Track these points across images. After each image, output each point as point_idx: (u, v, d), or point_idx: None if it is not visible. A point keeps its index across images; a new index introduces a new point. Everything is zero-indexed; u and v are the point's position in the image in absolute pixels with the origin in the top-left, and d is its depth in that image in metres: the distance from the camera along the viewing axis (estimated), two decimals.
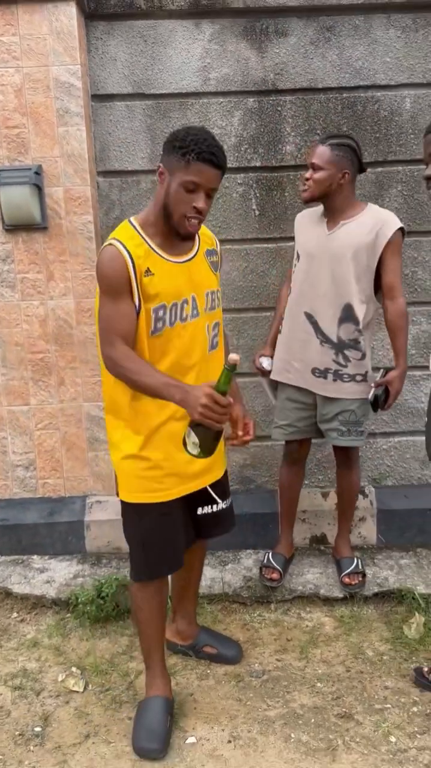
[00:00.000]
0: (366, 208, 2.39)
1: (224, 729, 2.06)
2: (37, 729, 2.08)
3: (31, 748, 2.02)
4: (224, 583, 2.71)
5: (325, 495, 3.01)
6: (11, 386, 2.89)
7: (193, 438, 1.66)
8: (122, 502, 1.97)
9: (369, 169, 2.71)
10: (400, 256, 2.39)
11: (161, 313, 1.80)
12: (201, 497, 2.03)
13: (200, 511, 2.05)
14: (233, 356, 1.56)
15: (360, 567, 2.68)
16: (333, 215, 2.40)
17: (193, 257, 1.88)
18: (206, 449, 1.68)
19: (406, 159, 2.85)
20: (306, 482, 2.90)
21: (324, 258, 2.39)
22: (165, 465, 1.89)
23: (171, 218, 1.76)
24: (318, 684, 2.25)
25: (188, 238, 1.84)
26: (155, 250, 1.79)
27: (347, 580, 2.64)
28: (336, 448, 2.63)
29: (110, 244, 1.76)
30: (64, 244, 2.77)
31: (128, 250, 1.74)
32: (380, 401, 2.36)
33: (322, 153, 2.30)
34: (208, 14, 2.73)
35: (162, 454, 1.87)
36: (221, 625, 2.56)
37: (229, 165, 2.44)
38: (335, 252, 2.37)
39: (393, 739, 2.01)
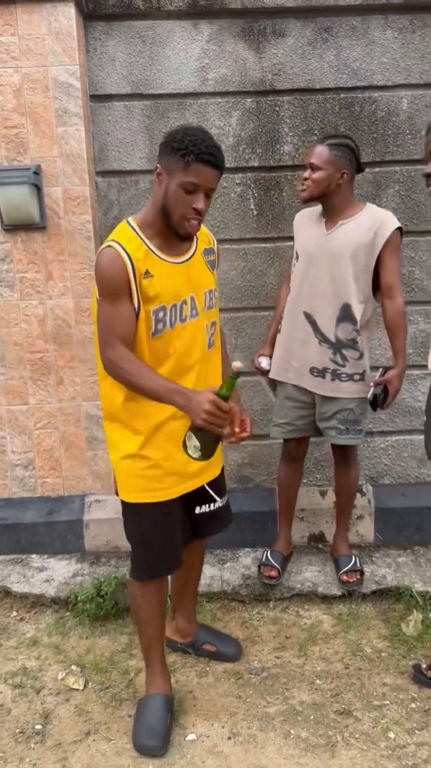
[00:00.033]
0: (364, 208, 2.40)
1: (224, 726, 2.07)
2: (38, 727, 2.09)
3: (32, 745, 2.03)
4: (223, 582, 2.72)
5: (323, 494, 3.02)
6: (10, 386, 2.90)
7: (194, 442, 1.69)
8: (123, 502, 1.98)
9: (366, 170, 2.73)
10: (398, 255, 2.40)
11: (161, 314, 1.80)
12: (199, 496, 2.04)
13: (198, 510, 2.06)
14: (237, 364, 1.61)
15: (358, 565, 2.70)
16: (331, 215, 2.41)
17: (191, 257, 1.88)
18: (207, 452, 1.71)
19: (403, 159, 2.87)
20: (304, 481, 2.91)
21: (323, 258, 2.40)
22: (165, 464, 1.89)
23: (170, 219, 1.76)
24: (317, 681, 2.26)
25: (188, 238, 1.83)
26: (154, 252, 1.79)
27: (345, 577, 2.66)
28: (334, 447, 2.64)
29: (109, 246, 1.75)
30: (62, 244, 2.77)
31: (127, 253, 1.74)
32: (379, 400, 2.37)
33: (321, 153, 2.31)
34: (206, 15, 2.74)
35: (162, 453, 1.88)
36: (220, 623, 2.57)
37: (227, 165, 2.45)
38: (333, 252, 2.38)
39: (391, 734, 2.02)
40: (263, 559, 2.71)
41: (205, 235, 1.97)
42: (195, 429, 1.68)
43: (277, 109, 2.83)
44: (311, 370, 2.50)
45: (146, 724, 2.00)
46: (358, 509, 2.94)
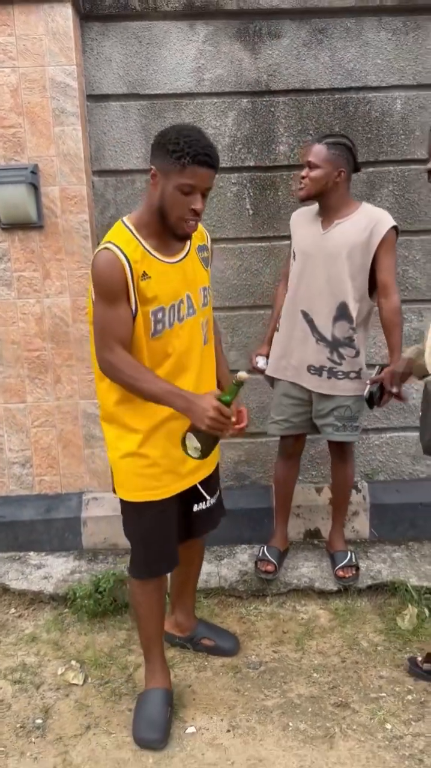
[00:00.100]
0: (360, 207, 2.43)
1: (223, 719, 2.10)
2: (38, 721, 2.11)
3: (33, 739, 2.04)
4: (220, 578, 2.74)
5: (319, 490, 3.05)
6: (8, 384, 2.91)
7: (194, 443, 1.73)
8: (122, 501, 1.99)
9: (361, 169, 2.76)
10: (394, 254, 2.42)
11: (160, 315, 1.81)
12: (193, 494, 2.05)
13: (195, 507, 2.08)
14: (243, 375, 1.64)
15: (354, 560, 2.73)
16: (327, 214, 2.44)
17: (185, 255, 1.88)
18: (206, 452, 1.76)
19: (397, 159, 2.90)
20: (300, 478, 2.94)
21: (319, 257, 2.43)
22: (162, 462, 1.91)
23: (168, 220, 1.75)
24: (314, 674, 2.29)
25: (185, 238, 1.83)
26: (150, 253, 1.79)
27: (341, 573, 2.68)
28: (330, 443, 2.67)
29: (106, 248, 1.74)
30: (60, 243, 2.79)
31: (124, 254, 1.73)
32: (375, 398, 2.39)
33: (318, 151, 2.33)
34: (202, 16, 2.76)
35: (160, 451, 1.89)
36: (218, 618, 2.60)
37: (223, 165, 2.48)
38: (330, 251, 2.40)
39: (388, 726, 2.05)
40: (260, 555, 2.74)
41: (198, 232, 1.94)
42: (196, 431, 1.72)
43: (272, 109, 2.85)
44: (309, 368, 2.52)
45: (146, 718, 2.02)
46: (353, 505, 2.97)
